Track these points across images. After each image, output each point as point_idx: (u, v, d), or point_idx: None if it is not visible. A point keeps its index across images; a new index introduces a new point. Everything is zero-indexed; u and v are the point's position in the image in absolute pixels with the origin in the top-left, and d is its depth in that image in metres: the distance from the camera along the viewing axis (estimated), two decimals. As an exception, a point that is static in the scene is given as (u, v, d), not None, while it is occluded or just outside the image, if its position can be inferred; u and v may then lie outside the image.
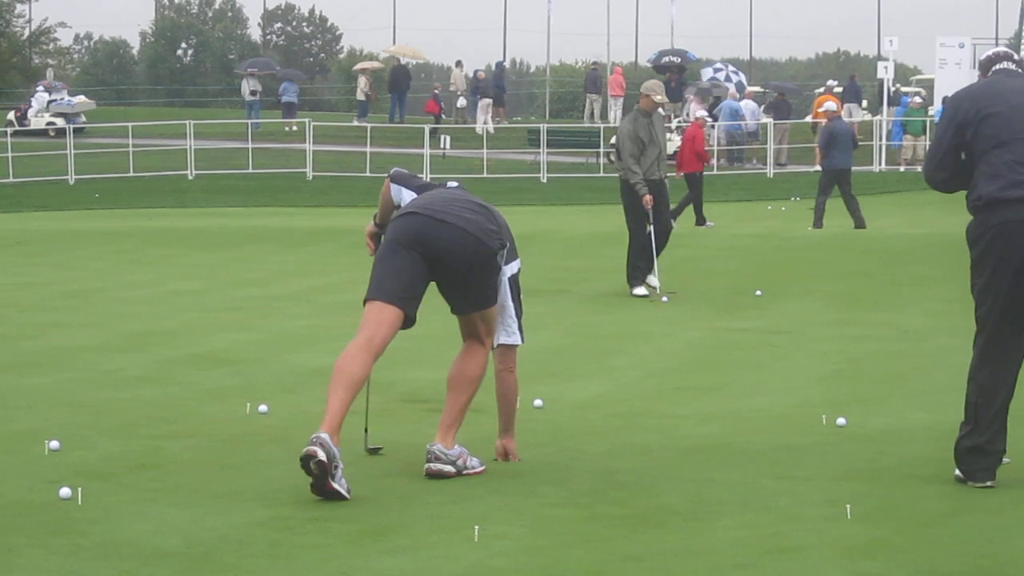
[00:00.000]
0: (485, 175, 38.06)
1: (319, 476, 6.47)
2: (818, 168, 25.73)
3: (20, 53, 63.10)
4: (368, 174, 37.41)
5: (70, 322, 13.42)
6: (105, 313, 14.10)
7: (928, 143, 37.44)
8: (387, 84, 49.15)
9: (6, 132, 39.14)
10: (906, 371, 10.83)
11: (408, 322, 7.04)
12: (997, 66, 7.16)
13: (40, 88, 48.60)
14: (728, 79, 48.16)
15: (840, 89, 43.61)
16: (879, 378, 10.49)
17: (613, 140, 31.76)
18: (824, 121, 26.73)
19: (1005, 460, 7.00)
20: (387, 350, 6.99)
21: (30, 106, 46.15)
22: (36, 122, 45.02)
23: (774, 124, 41.17)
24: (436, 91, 48.57)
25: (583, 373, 10.72)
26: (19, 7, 63.66)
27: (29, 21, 64.83)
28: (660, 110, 15.94)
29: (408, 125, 46.25)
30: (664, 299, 15.46)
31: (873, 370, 10.87)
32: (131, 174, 37.54)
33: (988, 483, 6.88)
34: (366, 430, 7.67)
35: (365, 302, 7.02)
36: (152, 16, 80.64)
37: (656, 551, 5.85)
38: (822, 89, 45.39)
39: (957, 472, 6.99)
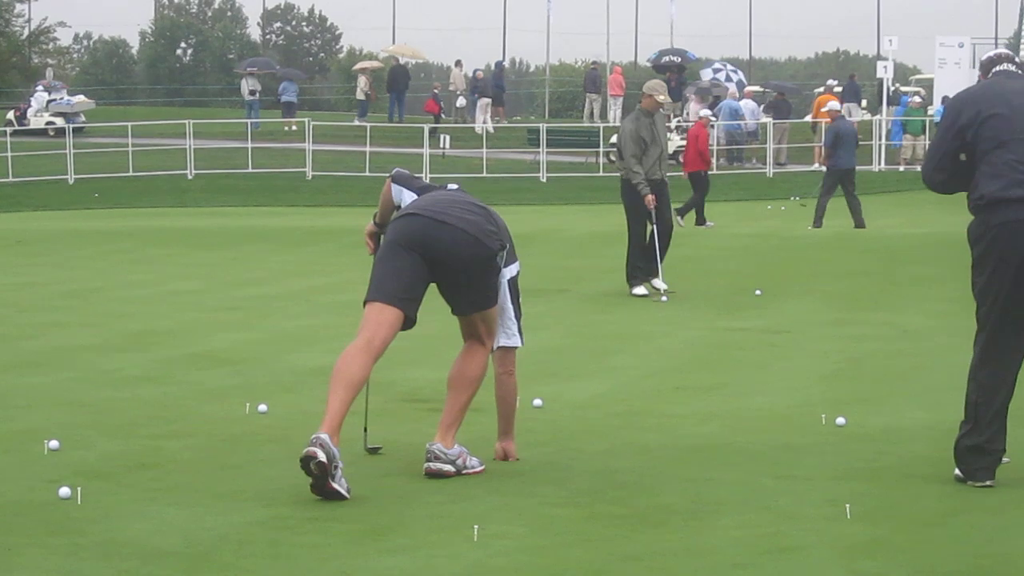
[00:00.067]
0: (485, 175, 38.06)
1: (319, 477, 6.48)
2: (817, 167, 25.79)
3: (19, 53, 63.04)
4: (368, 174, 37.40)
5: (70, 322, 13.42)
6: (105, 313, 14.11)
7: (927, 143, 37.49)
8: (386, 84, 49.15)
9: (5, 132, 39.14)
10: (906, 371, 10.83)
11: (408, 323, 7.04)
12: (997, 68, 7.18)
13: (39, 88, 48.61)
14: (728, 79, 48.19)
15: (840, 89, 43.61)
16: (879, 378, 10.49)
17: (613, 139, 31.69)
18: (827, 121, 26.74)
19: (1005, 460, 7.00)
20: (387, 350, 7.00)
21: (29, 106, 46.16)
22: (35, 122, 45.03)
23: (773, 124, 41.17)
24: (435, 91, 48.57)
25: (583, 373, 10.72)
26: (18, 7, 63.65)
27: (28, 21, 64.84)
28: (661, 110, 15.93)
29: (408, 125, 46.26)
30: (663, 299, 15.45)
31: (873, 370, 10.87)
32: (130, 174, 37.54)
33: (988, 482, 6.88)
34: (365, 430, 7.67)
35: (365, 303, 7.03)
36: (151, 16, 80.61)
37: (656, 551, 5.85)
38: (822, 89, 45.40)
39: (957, 471, 6.99)
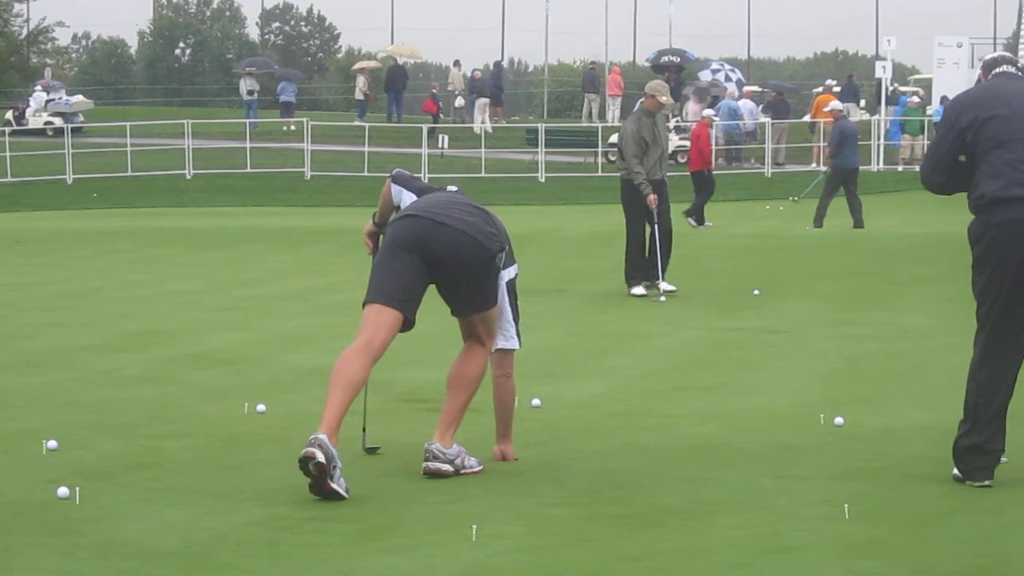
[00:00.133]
0: (483, 175, 38.06)
1: (317, 477, 6.48)
2: (815, 167, 25.79)
3: (18, 52, 63.06)
4: (366, 174, 37.41)
5: (68, 322, 13.42)
6: (103, 313, 14.11)
7: (926, 143, 37.51)
8: (383, 84, 49.15)
9: (4, 131, 39.12)
10: (904, 370, 10.83)
11: (407, 324, 7.05)
12: (998, 69, 7.20)
13: (38, 87, 48.64)
14: (727, 79, 48.21)
15: (838, 89, 43.62)
16: (877, 378, 10.49)
17: (612, 139, 31.57)
18: (829, 121, 26.75)
19: (1003, 460, 7.01)
20: (386, 351, 6.99)
21: (28, 105, 46.16)
22: (34, 121, 45.03)
23: (772, 124, 41.17)
24: (434, 91, 48.58)
25: (581, 373, 10.72)
26: (17, 6, 63.68)
27: (27, 20, 64.86)
28: (663, 110, 15.95)
29: (406, 125, 46.28)
30: (661, 299, 15.46)
31: (871, 370, 10.87)
32: (129, 174, 37.53)
33: (986, 482, 6.89)
34: (364, 429, 7.67)
35: (364, 304, 7.03)
36: (150, 15, 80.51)
37: (654, 550, 5.86)
38: (820, 89, 45.40)
39: (955, 471, 7.00)
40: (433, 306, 7.43)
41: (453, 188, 7.48)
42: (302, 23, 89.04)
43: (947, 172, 7.13)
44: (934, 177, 7.18)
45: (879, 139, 40.40)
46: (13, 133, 40.40)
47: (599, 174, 37.99)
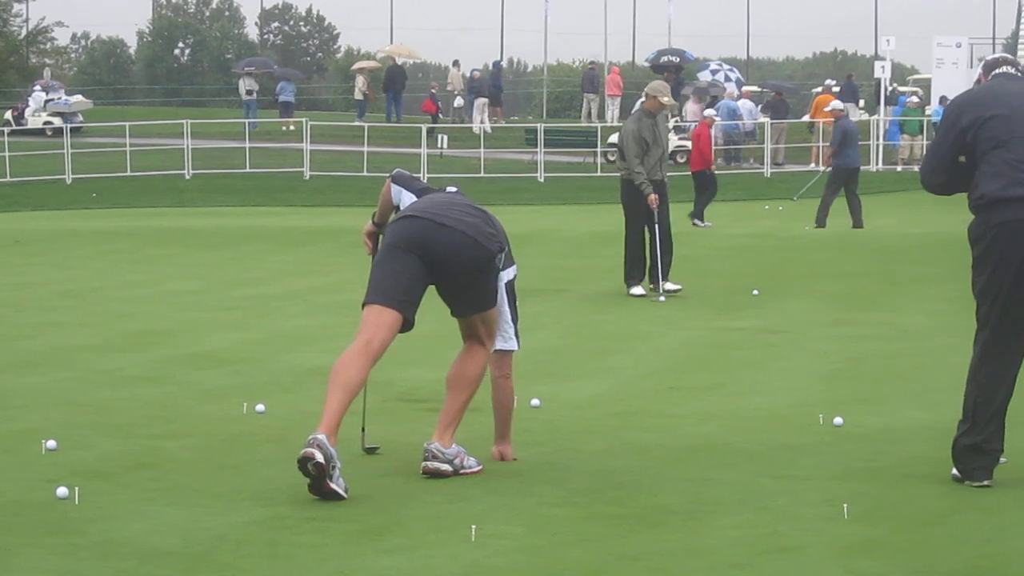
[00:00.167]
0: (482, 175, 38.06)
1: (316, 477, 6.48)
2: (814, 167, 25.80)
3: (17, 52, 62.99)
4: (365, 173, 37.40)
5: (68, 322, 13.42)
6: (103, 313, 14.10)
7: (925, 143, 37.52)
8: (382, 84, 49.15)
9: (3, 131, 39.08)
10: (904, 371, 10.84)
11: (407, 325, 7.05)
12: (998, 70, 7.21)
13: (37, 87, 48.62)
14: (727, 79, 48.22)
15: (838, 89, 43.63)
16: (877, 378, 10.49)
17: (612, 139, 31.50)
18: (830, 121, 26.76)
19: (1002, 460, 7.01)
20: (385, 351, 6.99)
21: (27, 105, 46.16)
22: (33, 121, 45.03)
23: (771, 124, 41.17)
24: (433, 91, 48.58)
25: (581, 373, 10.72)
26: (16, 6, 63.59)
27: (26, 20, 64.76)
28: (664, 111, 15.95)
29: (405, 125, 46.27)
30: (660, 299, 15.46)
31: (871, 370, 10.88)
32: (128, 173, 37.53)
33: (985, 482, 6.89)
34: (363, 429, 7.67)
35: (364, 305, 7.03)
36: (149, 15, 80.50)
37: (654, 550, 5.86)
38: (819, 89, 45.42)
39: (954, 471, 7.00)
40: (433, 306, 7.43)
41: (453, 189, 7.48)
42: (301, 23, 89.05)
43: (947, 172, 7.13)
44: (934, 177, 7.19)
45: (878, 139, 40.40)
46: (12, 133, 40.39)
47: (598, 174, 37.98)
